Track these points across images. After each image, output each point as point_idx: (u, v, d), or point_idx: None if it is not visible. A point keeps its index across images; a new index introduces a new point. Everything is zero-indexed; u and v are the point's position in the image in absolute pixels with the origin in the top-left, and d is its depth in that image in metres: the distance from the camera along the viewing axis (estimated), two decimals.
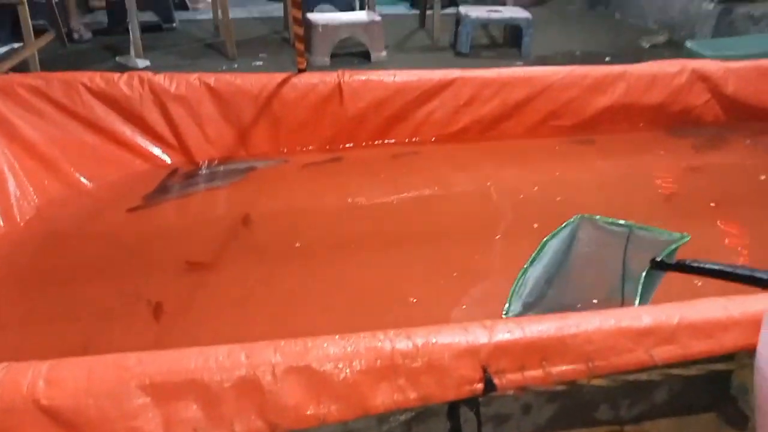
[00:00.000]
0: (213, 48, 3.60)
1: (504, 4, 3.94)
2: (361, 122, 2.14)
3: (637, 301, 1.12)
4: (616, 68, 2.26)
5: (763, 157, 2.20)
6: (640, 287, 1.12)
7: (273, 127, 2.08)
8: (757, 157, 2.20)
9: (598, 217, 1.30)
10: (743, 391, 1.02)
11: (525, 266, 1.22)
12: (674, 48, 3.42)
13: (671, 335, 0.92)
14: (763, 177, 1.99)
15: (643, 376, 0.95)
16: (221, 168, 2.05)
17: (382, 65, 3.34)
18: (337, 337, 0.87)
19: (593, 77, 2.21)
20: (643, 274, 1.14)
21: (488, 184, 2.04)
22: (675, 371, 0.97)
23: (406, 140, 2.22)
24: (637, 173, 2.08)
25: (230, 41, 3.35)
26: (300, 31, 1.96)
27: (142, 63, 3.18)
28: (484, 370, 0.87)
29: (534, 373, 0.88)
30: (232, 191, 1.93)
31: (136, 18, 3.20)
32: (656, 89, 2.25)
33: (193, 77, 2.02)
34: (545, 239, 1.26)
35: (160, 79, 1.99)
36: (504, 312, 1.18)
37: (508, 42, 3.69)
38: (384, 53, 3.41)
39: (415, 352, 0.86)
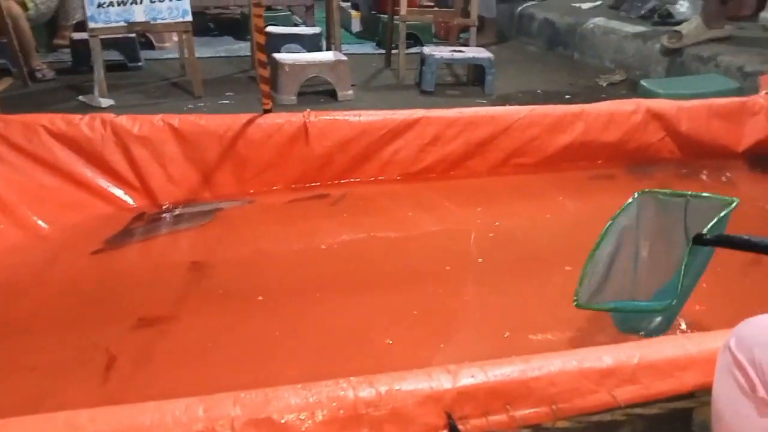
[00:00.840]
0: (179, 87, 3.59)
1: (467, 44, 4.04)
2: (326, 162, 2.15)
3: (680, 283, 1.12)
4: (575, 108, 2.33)
5: (718, 189, 2.27)
6: (682, 267, 1.12)
7: (238, 168, 2.08)
8: (719, 191, 2.27)
9: (657, 190, 1.33)
10: (704, 428, 1.04)
11: (592, 250, 1.26)
12: (630, 86, 3.55)
13: (632, 375, 0.93)
14: None
15: (607, 417, 0.96)
16: (186, 210, 2.02)
17: (348, 104, 3.37)
18: (299, 386, 0.86)
19: (553, 116, 2.28)
20: (687, 252, 1.14)
21: (453, 223, 2.06)
22: (637, 410, 0.98)
23: (372, 179, 2.24)
24: (599, 209, 2.13)
25: (196, 80, 3.36)
26: (264, 72, 1.98)
27: (105, 102, 3.15)
28: (449, 417, 0.86)
29: (498, 418, 0.88)
30: (196, 234, 1.91)
31: (100, 57, 3.18)
32: (613, 127, 2.32)
33: (157, 118, 2.01)
34: (609, 221, 1.28)
35: (123, 120, 1.98)
36: (575, 297, 1.20)
37: (472, 81, 3.77)
38: (350, 92, 3.45)
39: (378, 399, 0.85)
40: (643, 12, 4.17)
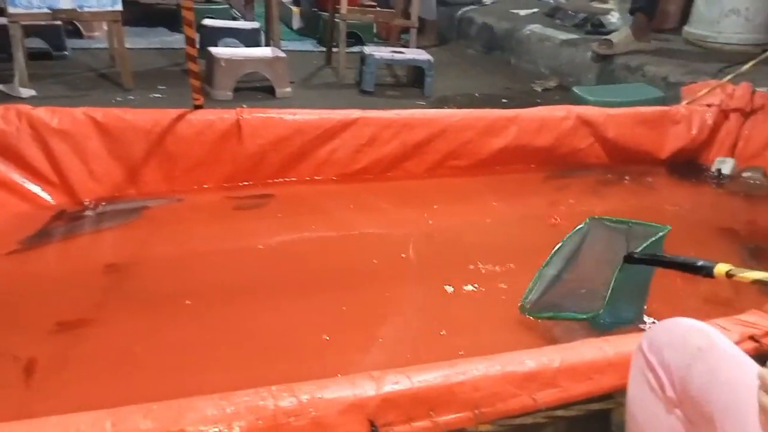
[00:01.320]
0: (108, 79, 3.43)
1: (408, 45, 4.06)
2: (260, 160, 2.10)
3: (607, 294, 1.31)
4: (509, 112, 2.38)
5: (643, 194, 2.38)
6: (612, 281, 1.31)
7: (167, 165, 2.00)
8: (640, 195, 2.37)
9: (605, 217, 1.54)
10: (622, 428, 1.07)
11: (541, 268, 1.47)
12: (564, 92, 3.65)
13: (553, 378, 0.95)
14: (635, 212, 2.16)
15: (529, 420, 0.97)
16: (110, 208, 1.93)
17: (286, 101, 3.32)
18: (216, 396, 0.82)
19: (487, 120, 2.31)
20: (617, 269, 1.32)
21: (389, 224, 2.06)
22: (558, 413, 1.00)
23: (307, 179, 2.20)
24: (531, 212, 2.18)
25: (126, 72, 3.22)
26: (195, 67, 1.91)
27: (26, 93, 2.97)
28: (372, 424, 0.85)
29: (421, 424, 0.88)
30: (120, 233, 1.82)
31: (21, 45, 2.99)
32: (545, 132, 2.38)
33: (79, 111, 1.90)
34: (559, 244, 1.49)
35: (41, 112, 1.86)
36: (521, 303, 1.44)
37: (412, 82, 3.79)
38: (289, 89, 3.40)
39: (299, 409, 0.83)
40: (576, 21, 4.31)
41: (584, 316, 1.36)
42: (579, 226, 1.53)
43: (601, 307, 1.31)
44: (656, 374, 0.82)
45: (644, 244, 1.35)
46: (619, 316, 1.38)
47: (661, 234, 1.39)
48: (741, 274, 1.05)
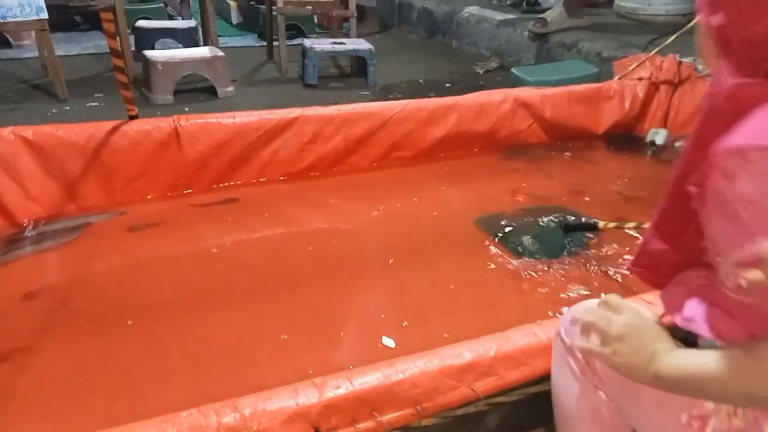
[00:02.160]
0: (40, 89, 3.32)
1: (349, 35, 4.05)
2: (202, 166, 2.08)
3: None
4: (447, 100, 2.41)
5: (582, 168, 2.45)
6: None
7: (106, 179, 1.96)
8: (583, 170, 2.44)
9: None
10: None
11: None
12: (505, 72, 3.71)
13: (489, 368, 0.99)
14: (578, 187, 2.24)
15: (471, 409, 1.01)
16: (50, 227, 1.89)
17: (229, 100, 3.28)
18: (158, 420, 0.83)
19: (427, 110, 2.34)
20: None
21: (340, 219, 2.07)
22: (499, 399, 1.04)
23: (254, 181, 2.20)
24: (478, 195, 2.22)
25: (59, 81, 3.12)
26: (124, 78, 1.87)
27: None
28: (316, 431, 0.88)
29: (365, 425, 0.91)
30: (63, 252, 1.79)
31: None
32: (485, 117, 2.42)
33: (7, 131, 1.85)
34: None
35: None
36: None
37: (355, 72, 3.78)
38: (231, 88, 3.35)
39: (242, 424, 0.85)
40: (513, 0, 4.36)
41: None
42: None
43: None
44: (575, 358, 0.86)
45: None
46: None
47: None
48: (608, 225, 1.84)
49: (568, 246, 1.82)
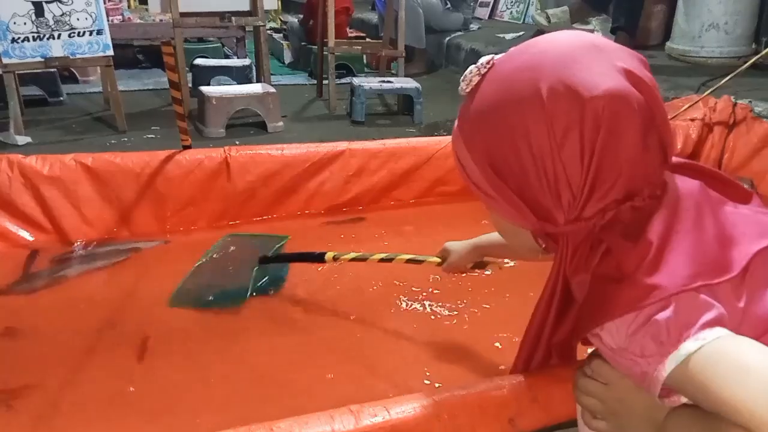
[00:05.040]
0: (102, 121, 3.50)
1: (397, 74, 4.12)
2: (250, 197, 2.13)
3: (250, 286, 1.73)
4: None
5: None
6: (251, 280, 1.74)
7: (157, 206, 2.03)
8: None
9: (240, 233, 2.04)
10: None
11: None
12: None
13: (531, 405, 0.95)
14: None
15: None
16: (99, 250, 1.95)
17: (278, 135, 3.36)
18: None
19: None
20: (255, 269, 1.77)
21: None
22: None
23: (298, 213, 2.23)
24: None
25: (119, 114, 3.28)
26: (180, 109, 1.95)
27: (22, 140, 3.03)
28: None
29: None
30: (110, 274, 1.84)
31: (15, 93, 3.06)
32: None
33: (69, 157, 1.94)
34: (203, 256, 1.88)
35: (32, 161, 1.90)
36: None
37: (402, 110, 3.84)
38: (281, 123, 3.45)
39: None
40: None
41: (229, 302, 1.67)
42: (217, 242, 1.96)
43: (245, 294, 1.70)
44: None
45: (274, 248, 1.91)
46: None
47: (282, 242, 1.95)
48: (343, 257, 1.58)
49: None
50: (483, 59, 0.80)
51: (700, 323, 0.65)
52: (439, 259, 1.51)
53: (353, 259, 1.57)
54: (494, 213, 0.85)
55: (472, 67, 0.81)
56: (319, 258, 1.59)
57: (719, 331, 0.65)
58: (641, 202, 0.75)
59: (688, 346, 0.65)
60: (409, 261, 1.57)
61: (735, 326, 0.67)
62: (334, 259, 1.55)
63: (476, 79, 0.80)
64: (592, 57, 0.74)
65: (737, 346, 0.64)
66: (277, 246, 1.92)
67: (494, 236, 1.31)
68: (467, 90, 0.81)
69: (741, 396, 0.60)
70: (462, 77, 0.82)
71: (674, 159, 0.82)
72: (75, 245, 1.93)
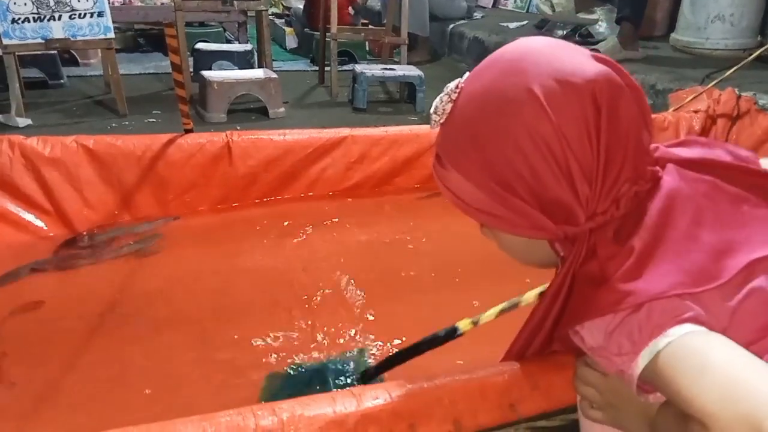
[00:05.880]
0: (103, 105, 3.48)
1: (400, 62, 4.10)
2: (252, 181, 2.13)
3: None
4: None
5: None
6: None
7: (159, 189, 2.02)
8: None
9: None
10: None
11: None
12: None
13: (533, 389, 0.96)
14: None
15: (510, 431, 0.98)
16: (103, 236, 1.95)
17: (280, 121, 3.35)
18: (196, 418, 0.84)
19: None
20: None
21: (381, 236, 2.07)
22: (541, 423, 1.00)
23: (302, 195, 2.22)
24: None
25: (120, 98, 3.26)
26: (182, 92, 1.94)
27: (23, 122, 3.02)
28: None
29: None
30: (114, 260, 1.84)
31: (16, 75, 3.05)
32: None
33: (70, 139, 1.94)
34: None
35: (33, 142, 1.90)
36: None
37: (404, 98, 3.82)
38: (282, 109, 3.44)
39: (280, 427, 0.84)
40: (565, 32, 4.35)
41: None
42: None
43: None
44: None
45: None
46: None
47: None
48: (484, 316, 1.03)
49: None
50: (449, 85, 0.79)
51: (673, 321, 0.66)
52: None
53: (498, 314, 1.05)
54: (503, 235, 0.82)
55: (440, 96, 0.79)
56: (450, 335, 1.06)
57: (689, 327, 0.65)
58: (644, 185, 0.76)
59: (658, 343, 0.65)
60: None
61: (721, 331, 0.66)
62: (473, 324, 1.04)
63: (449, 106, 0.78)
64: (565, 51, 0.76)
65: (705, 343, 0.64)
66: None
67: None
68: (442, 120, 0.79)
69: (696, 392, 0.60)
70: (432, 109, 0.80)
71: (693, 155, 0.81)
72: (80, 230, 1.93)
